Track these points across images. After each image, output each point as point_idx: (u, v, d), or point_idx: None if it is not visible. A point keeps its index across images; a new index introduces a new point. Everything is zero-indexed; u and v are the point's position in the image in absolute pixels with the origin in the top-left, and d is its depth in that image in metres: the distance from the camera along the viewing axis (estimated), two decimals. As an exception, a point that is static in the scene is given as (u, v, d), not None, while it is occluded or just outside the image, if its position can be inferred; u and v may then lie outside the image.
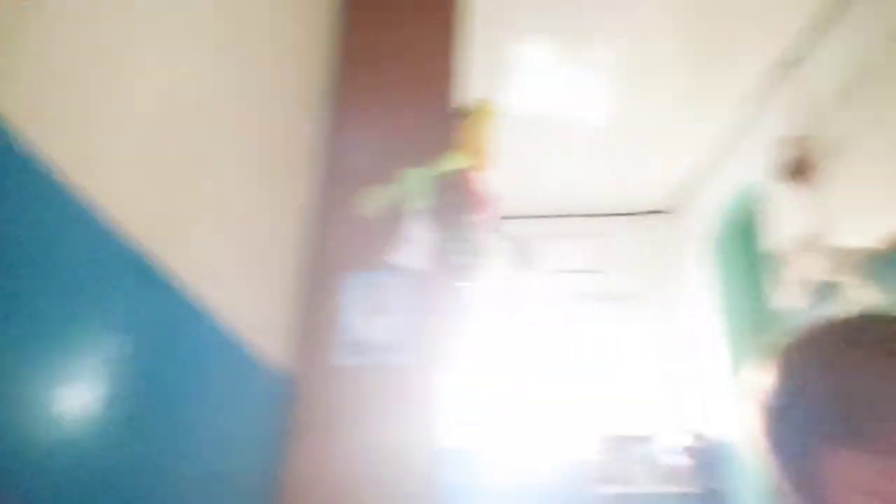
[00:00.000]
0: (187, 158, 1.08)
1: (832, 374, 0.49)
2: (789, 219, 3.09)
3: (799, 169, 2.93)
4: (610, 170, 4.17)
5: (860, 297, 1.98)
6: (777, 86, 3.19)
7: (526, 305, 4.21)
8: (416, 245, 1.43)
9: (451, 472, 1.54)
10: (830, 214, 2.77)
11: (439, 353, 1.48)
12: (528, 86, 3.40)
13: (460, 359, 1.61)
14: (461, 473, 1.44)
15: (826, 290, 2.53)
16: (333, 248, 1.48)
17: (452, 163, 1.45)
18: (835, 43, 2.81)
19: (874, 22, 2.52)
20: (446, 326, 1.50)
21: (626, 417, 4.05)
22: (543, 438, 3.88)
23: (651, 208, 4.64)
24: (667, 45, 3.15)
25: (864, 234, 2.23)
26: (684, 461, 3.74)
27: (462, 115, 1.58)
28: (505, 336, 4.09)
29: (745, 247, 3.72)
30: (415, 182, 1.41)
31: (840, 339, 0.51)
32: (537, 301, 4.24)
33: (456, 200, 1.49)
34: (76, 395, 0.82)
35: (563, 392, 4.15)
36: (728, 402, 3.52)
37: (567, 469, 3.75)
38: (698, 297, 4.09)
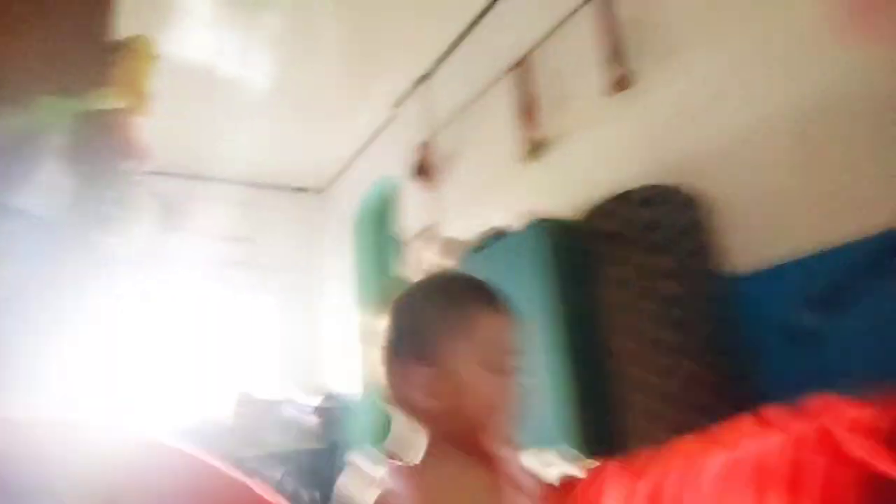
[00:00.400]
0: None
1: (412, 313, 0.68)
2: (415, 211, 3.63)
3: (422, 170, 3.47)
4: (268, 142, 4.15)
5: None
6: (414, 96, 3.69)
7: (170, 267, 3.89)
8: (44, 186, 1.20)
9: (71, 445, 1.35)
10: (444, 211, 3.36)
11: (66, 315, 1.28)
12: (191, 34, 3.12)
13: (92, 321, 1.42)
14: (87, 444, 1.28)
15: (435, 269, 3.06)
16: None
17: (101, 100, 1.26)
18: (455, 68, 3.40)
19: (484, 54, 3.16)
20: (78, 285, 1.30)
21: (264, 383, 4.12)
22: (178, 405, 3.66)
23: (302, 185, 4.81)
24: (332, 35, 3.32)
25: (465, 229, 2.79)
26: (313, 420, 4.02)
27: (117, 49, 1.38)
28: (145, 298, 3.70)
29: (378, 230, 4.19)
30: (50, 113, 1.18)
31: (418, 291, 0.70)
32: (182, 263, 3.96)
33: (101, 143, 1.31)
34: None
35: (202, 358, 3.99)
36: (356, 362, 3.92)
37: (202, 436, 3.63)
38: (337, 272, 4.43)
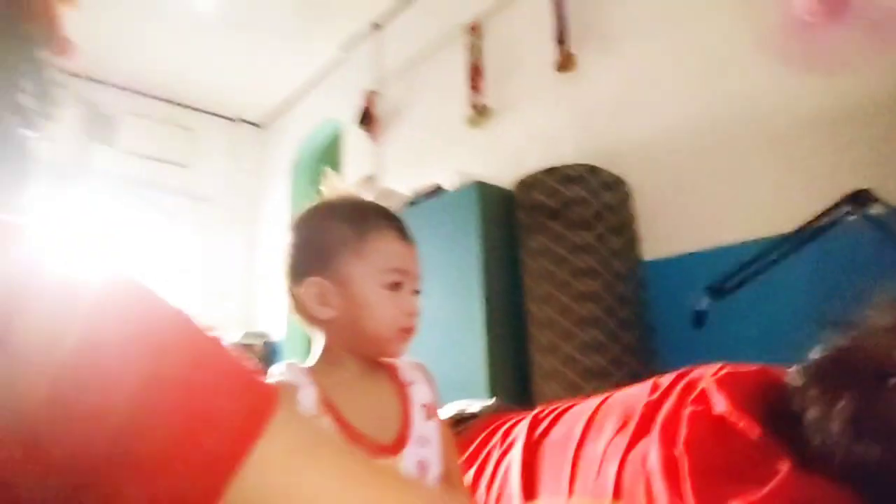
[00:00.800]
0: None
1: (311, 229, 0.71)
2: (356, 158, 3.58)
3: (367, 118, 3.41)
4: (210, 64, 3.91)
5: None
6: (365, 42, 3.59)
7: (94, 181, 3.62)
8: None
9: None
10: (384, 162, 3.34)
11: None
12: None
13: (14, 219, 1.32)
14: None
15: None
16: None
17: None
18: (409, 21, 3.33)
19: (439, 12, 3.11)
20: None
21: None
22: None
23: (244, 117, 4.60)
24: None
25: (403, 183, 2.79)
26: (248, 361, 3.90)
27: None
28: (62, 207, 3.44)
29: (319, 173, 4.09)
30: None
31: (319, 209, 0.74)
32: (107, 179, 3.70)
33: (27, 24, 1.20)
34: None
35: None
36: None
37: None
38: (278, 210, 4.30)
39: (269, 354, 4.01)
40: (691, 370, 0.78)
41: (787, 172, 1.76)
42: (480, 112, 2.74)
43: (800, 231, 1.43)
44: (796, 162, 1.75)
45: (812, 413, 0.57)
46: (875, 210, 1.39)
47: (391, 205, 2.53)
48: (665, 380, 0.80)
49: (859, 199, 1.39)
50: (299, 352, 3.54)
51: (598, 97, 2.31)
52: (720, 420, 0.64)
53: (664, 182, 2.05)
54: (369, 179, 3.26)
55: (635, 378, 0.88)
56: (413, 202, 2.41)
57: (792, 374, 0.63)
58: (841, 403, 0.54)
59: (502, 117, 2.69)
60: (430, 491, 0.36)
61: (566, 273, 1.84)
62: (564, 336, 1.79)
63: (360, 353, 0.69)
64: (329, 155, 3.95)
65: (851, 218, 1.39)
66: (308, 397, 0.63)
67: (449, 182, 2.32)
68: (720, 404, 0.66)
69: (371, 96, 3.41)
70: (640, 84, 2.18)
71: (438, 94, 3.06)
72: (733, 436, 0.61)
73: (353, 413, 0.65)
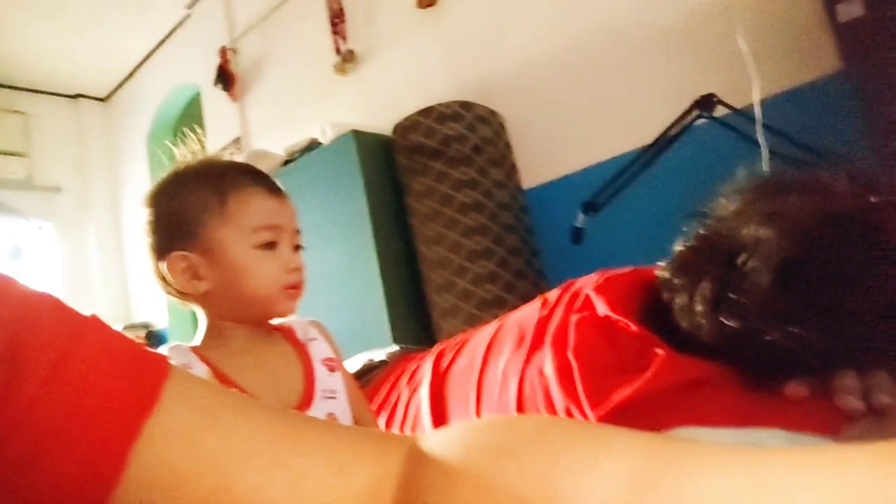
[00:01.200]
0: None
1: (169, 201, 0.65)
2: (220, 121, 3.32)
3: (225, 78, 3.16)
4: (42, 39, 3.39)
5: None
6: (215, -3, 3.28)
7: None
8: None
9: None
10: (251, 122, 3.13)
11: None
12: None
13: None
14: None
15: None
16: None
17: None
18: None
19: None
20: None
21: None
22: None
23: (86, 92, 4.09)
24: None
25: (274, 141, 2.64)
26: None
27: None
28: None
29: (178, 144, 3.77)
30: None
31: (173, 179, 0.68)
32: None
33: None
34: None
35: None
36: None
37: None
38: (139, 189, 3.94)
39: (155, 344, 3.75)
40: (574, 282, 0.82)
41: (648, 84, 1.85)
42: (347, 58, 2.62)
43: (656, 140, 1.52)
44: (657, 72, 1.84)
45: (679, 300, 0.61)
46: (720, 112, 1.51)
47: (265, 166, 2.41)
48: (552, 294, 0.83)
49: (705, 103, 1.50)
50: (188, 335, 3.34)
51: (463, 31, 2.28)
52: (603, 322, 0.68)
53: (534, 110, 2.09)
54: (236, 142, 3.05)
55: (528, 301, 0.91)
56: (289, 160, 2.29)
57: (660, 270, 0.67)
58: (701, 287, 0.58)
59: (371, 62, 2.60)
60: (343, 427, 0.34)
61: (452, 210, 1.85)
62: (458, 272, 1.82)
63: (247, 319, 0.65)
64: (188, 122, 3.64)
65: (701, 122, 1.50)
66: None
67: (323, 135, 2.22)
68: (601, 308, 0.69)
69: (226, 53, 3.15)
70: (503, 14, 2.17)
71: (300, 43, 2.89)
72: (616, 334, 0.65)
73: (250, 382, 0.61)
